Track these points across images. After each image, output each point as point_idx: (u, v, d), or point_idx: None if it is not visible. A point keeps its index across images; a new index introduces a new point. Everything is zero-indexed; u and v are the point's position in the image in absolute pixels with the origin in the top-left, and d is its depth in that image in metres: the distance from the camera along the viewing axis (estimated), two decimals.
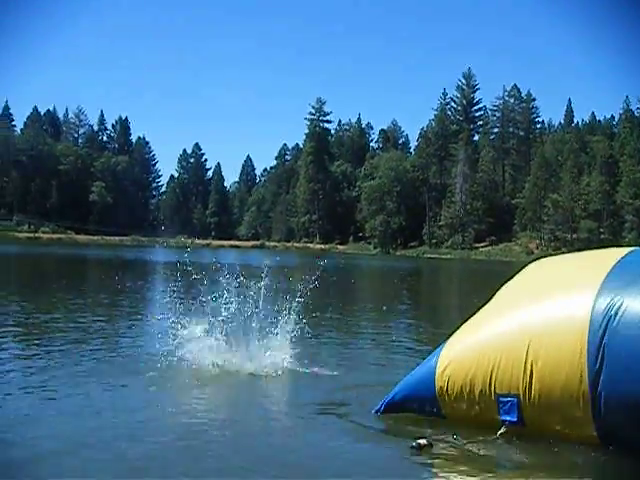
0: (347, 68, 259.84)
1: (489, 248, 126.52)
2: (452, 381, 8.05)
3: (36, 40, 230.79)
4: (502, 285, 9.16)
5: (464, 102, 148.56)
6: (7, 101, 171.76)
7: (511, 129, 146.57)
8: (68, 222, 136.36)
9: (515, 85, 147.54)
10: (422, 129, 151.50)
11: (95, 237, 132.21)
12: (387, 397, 8.47)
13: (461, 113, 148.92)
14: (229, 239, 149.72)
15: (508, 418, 7.79)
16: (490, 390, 7.86)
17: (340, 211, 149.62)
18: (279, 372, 10.87)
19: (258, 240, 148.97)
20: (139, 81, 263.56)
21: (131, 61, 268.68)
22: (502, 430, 7.69)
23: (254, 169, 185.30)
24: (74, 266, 57.16)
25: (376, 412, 8.45)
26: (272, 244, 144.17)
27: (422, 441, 7.34)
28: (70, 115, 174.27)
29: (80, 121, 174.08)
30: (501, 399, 7.84)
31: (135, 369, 10.84)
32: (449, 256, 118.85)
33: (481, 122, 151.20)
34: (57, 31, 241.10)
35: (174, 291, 12.85)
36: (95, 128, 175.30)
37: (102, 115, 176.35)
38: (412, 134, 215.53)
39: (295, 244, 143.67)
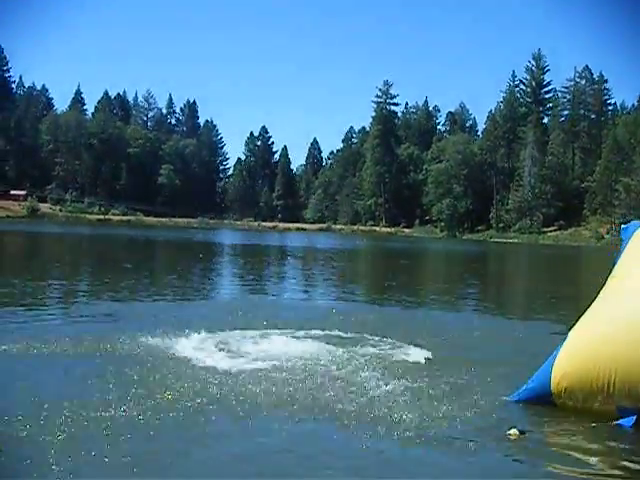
0: (415, 50, 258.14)
1: (557, 233, 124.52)
2: (568, 392, 8.21)
3: (107, 25, 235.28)
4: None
5: (533, 84, 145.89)
6: (79, 85, 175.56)
7: (582, 111, 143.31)
8: (137, 204, 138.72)
9: (587, 66, 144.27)
10: (490, 112, 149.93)
11: (163, 219, 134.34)
12: (514, 395, 8.76)
13: (530, 95, 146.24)
14: (295, 222, 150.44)
15: (626, 424, 7.79)
16: (608, 401, 7.87)
17: (406, 194, 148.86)
18: None
19: (324, 223, 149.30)
20: (207, 64, 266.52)
21: (199, 44, 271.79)
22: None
23: (320, 152, 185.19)
24: (155, 249, 58.23)
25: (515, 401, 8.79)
26: (338, 227, 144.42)
27: (513, 431, 7.44)
28: (140, 99, 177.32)
29: (149, 104, 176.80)
30: (621, 412, 7.85)
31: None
32: (516, 240, 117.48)
33: (551, 104, 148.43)
34: (127, 16, 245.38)
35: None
36: (164, 111, 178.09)
37: (170, 99, 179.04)
38: (480, 117, 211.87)
39: (361, 227, 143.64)
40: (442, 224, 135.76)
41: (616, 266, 8.79)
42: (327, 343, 12.19)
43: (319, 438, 7.54)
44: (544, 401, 8.45)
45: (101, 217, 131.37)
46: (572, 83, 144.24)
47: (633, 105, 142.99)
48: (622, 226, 9.58)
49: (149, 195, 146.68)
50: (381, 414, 8.23)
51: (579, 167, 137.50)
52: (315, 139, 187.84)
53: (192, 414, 7.98)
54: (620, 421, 7.80)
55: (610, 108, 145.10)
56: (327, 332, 13.24)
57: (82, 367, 9.99)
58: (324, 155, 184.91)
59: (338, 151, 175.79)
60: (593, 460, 6.91)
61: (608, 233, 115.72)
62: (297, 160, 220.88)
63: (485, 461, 6.97)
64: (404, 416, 8.14)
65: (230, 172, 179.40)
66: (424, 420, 8.05)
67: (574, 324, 8.69)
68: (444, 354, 11.58)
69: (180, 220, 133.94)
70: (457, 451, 7.15)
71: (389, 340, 12.62)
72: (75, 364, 10.20)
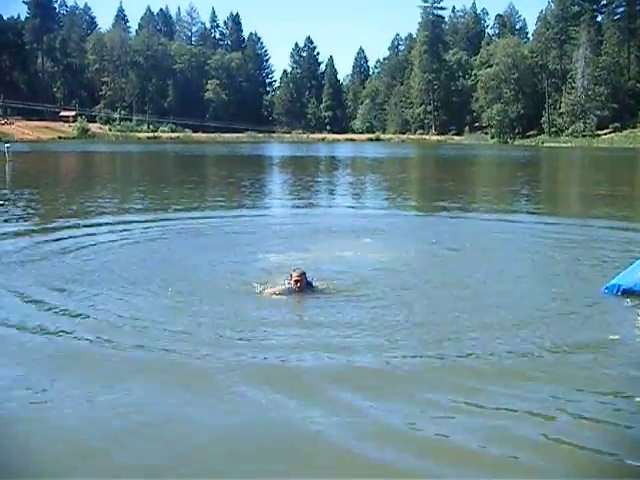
0: None
1: (612, 135, 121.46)
2: None
3: None
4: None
5: None
6: (121, 2, 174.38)
7: (638, 7, 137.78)
8: (185, 120, 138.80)
9: None
10: (541, 12, 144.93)
11: (212, 135, 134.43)
12: (606, 290, 10.04)
13: None
14: (344, 133, 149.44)
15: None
16: None
17: (456, 101, 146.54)
18: None
19: (373, 133, 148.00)
20: None
21: None
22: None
23: (367, 61, 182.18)
24: (216, 163, 58.61)
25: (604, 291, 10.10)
26: (387, 137, 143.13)
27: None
28: (182, 14, 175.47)
29: (192, 19, 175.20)
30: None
31: None
32: (569, 144, 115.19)
33: (605, 1, 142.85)
34: None
35: None
36: (207, 26, 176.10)
37: (213, 12, 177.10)
38: (530, 18, 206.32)
39: (410, 136, 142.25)
40: (493, 130, 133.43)
41: None
42: None
43: None
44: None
45: (150, 135, 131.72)
46: None
47: None
48: None
49: (197, 111, 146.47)
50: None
51: (635, 67, 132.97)
52: (361, 48, 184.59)
53: None
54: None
55: None
56: None
57: None
58: (371, 64, 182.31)
59: (385, 59, 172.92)
60: None
61: None
62: (343, 70, 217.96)
63: None
64: None
65: (276, 85, 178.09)
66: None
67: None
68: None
69: (228, 135, 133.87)
70: None
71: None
72: None
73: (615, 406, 6.17)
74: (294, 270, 10.35)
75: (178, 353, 7.47)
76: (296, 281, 10.13)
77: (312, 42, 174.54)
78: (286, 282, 10.31)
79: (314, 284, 10.43)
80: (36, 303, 9.46)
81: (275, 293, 10.24)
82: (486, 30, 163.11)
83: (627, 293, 9.77)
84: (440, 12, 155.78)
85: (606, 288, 9.99)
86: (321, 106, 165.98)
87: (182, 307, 9.44)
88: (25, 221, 18.49)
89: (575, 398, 6.27)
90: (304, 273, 10.25)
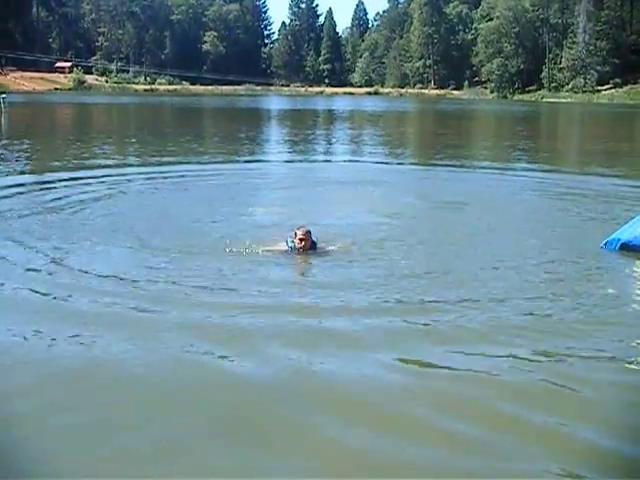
0: None
1: (612, 91, 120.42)
2: None
3: None
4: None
5: None
6: None
7: None
8: (183, 72, 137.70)
9: None
10: None
11: (210, 87, 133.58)
12: (606, 245, 9.93)
13: None
14: (342, 86, 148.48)
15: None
16: None
17: (455, 55, 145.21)
18: None
19: (371, 87, 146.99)
20: None
21: None
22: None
23: (366, 14, 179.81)
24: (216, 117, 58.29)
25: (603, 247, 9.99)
26: (386, 91, 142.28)
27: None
28: None
29: None
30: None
31: None
32: (569, 100, 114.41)
33: None
34: None
35: None
36: None
37: None
38: None
39: (409, 90, 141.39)
40: (492, 85, 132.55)
41: None
42: None
43: None
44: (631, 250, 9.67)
45: (148, 87, 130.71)
46: None
47: None
48: None
49: (194, 63, 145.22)
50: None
51: (637, 22, 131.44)
52: (360, 0, 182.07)
53: None
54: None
55: None
56: None
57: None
58: (370, 17, 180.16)
59: (384, 12, 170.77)
60: None
61: None
62: (343, 23, 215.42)
63: None
64: None
65: (275, 37, 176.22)
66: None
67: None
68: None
69: (226, 88, 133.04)
70: None
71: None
72: None
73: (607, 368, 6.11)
74: (299, 228, 9.41)
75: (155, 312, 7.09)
76: (301, 239, 9.24)
77: None
78: (289, 240, 9.39)
79: (318, 244, 9.52)
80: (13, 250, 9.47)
81: (274, 251, 9.39)
82: None
83: (626, 247, 9.67)
84: None
85: (605, 243, 9.89)
86: (320, 59, 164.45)
87: (165, 265, 8.75)
88: (19, 169, 18.43)
89: (566, 358, 6.19)
90: (309, 232, 9.34)
